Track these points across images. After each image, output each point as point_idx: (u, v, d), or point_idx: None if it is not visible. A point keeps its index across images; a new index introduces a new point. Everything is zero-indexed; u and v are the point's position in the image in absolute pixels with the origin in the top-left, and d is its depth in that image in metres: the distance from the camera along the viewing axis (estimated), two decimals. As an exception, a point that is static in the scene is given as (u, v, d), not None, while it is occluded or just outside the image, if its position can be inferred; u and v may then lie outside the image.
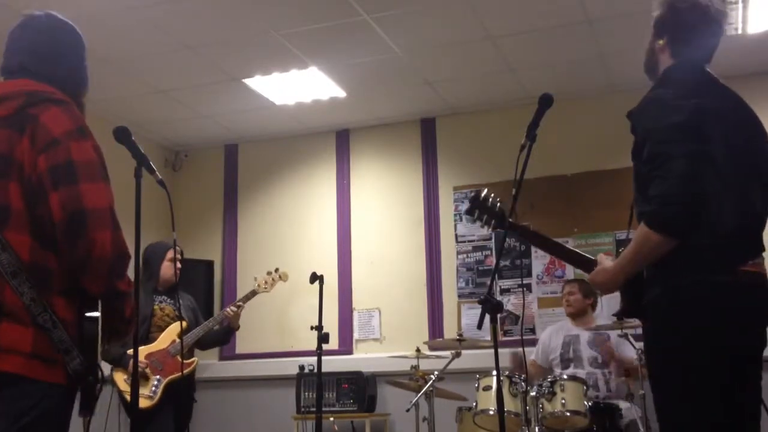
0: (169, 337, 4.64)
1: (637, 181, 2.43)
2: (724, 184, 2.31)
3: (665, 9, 2.55)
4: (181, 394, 4.62)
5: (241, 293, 6.70)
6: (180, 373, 4.53)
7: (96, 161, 2.03)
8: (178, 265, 4.71)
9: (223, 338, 5.15)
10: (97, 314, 2.01)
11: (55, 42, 2.23)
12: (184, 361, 4.62)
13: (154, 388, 4.48)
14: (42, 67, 2.16)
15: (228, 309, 4.92)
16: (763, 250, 2.41)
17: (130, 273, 2.15)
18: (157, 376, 4.50)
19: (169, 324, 4.69)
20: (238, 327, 5.06)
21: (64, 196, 1.93)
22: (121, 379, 4.44)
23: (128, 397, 4.36)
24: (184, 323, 4.66)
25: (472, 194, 2.85)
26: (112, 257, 1.97)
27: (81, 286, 2.00)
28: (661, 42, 2.54)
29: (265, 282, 5.11)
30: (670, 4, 2.53)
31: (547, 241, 2.81)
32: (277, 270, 5.20)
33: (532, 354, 5.28)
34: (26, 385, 1.91)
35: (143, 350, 4.47)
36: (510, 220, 2.79)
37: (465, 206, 6.24)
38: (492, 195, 2.84)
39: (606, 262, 2.55)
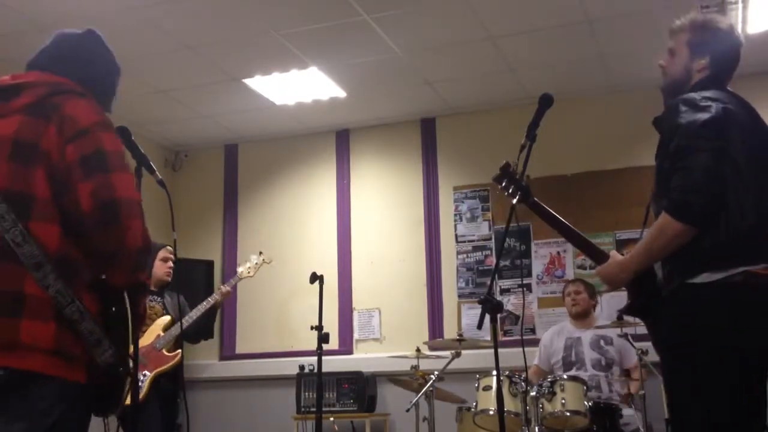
0: (153, 332, 4.66)
1: (659, 177, 2.46)
2: (745, 185, 2.35)
3: (707, 31, 2.63)
4: (168, 386, 4.61)
5: (240, 293, 6.74)
6: (164, 366, 4.57)
7: (123, 154, 2.04)
8: (171, 264, 4.80)
9: (204, 327, 5.08)
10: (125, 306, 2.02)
11: (77, 48, 2.24)
12: (168, 354, 4.64)
13: (140, 384, 4.49)
14: (64, 68, 2.17)
15: (216, 293, 4.98)
16: None
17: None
18: (144, 372, 4.52)
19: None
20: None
21: (96, 184, 1.92)
22: None
23: None
24: (169, 318, 4.71)
25: (503, 163, 2.87)
26: (142, 247, 1.97)
27: (105, 279, 1.99)
28: (703, 62, 2.60)
29: (249, 268, 5.21)
30: (713, 26, 2.63)
31: (565, 225, 2.84)
32: (261, 254, 5.28)
33: (534, 359, 5.27)
34: (46, 384, 1.89)
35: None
36: (535, 199, 2.83)
37: (463, 207, 6.29)
38: (520, 171, 2.87)
39: (618, 256, 2.57)
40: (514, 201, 2.82)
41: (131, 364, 2.03)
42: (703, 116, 2.35)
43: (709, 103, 2.40)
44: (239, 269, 5.24)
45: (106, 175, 1.94)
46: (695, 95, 2.45)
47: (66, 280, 1.90)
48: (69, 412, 1.92)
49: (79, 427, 1.99)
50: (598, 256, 2.69)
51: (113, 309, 1.99)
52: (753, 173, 2.38)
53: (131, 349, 2.05)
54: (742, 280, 2.29)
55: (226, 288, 5.03)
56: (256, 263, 5.25)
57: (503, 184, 2.86)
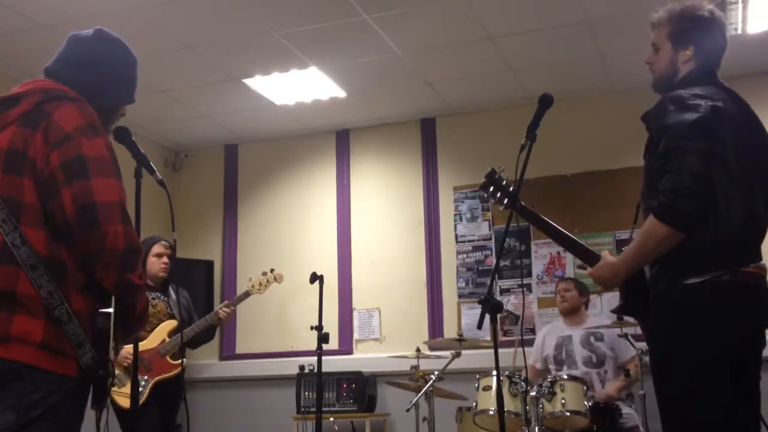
0: (159, 336, 4.51)
1: (648, 175, 2.46)
2: (733, 185, 2.34)
3: (686, 20, 2.57)
4: (170, 393, 4.48)
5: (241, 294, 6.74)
6: (167, 374, 4.44)
7: (107, 157, 2.07)
8: (165, 259, 4.59)
9: (206, 337, 4.95)
10: (110, 310, 2.04)
11: (88, 52, 2.27)
12: (172, 362, 4.49)
13: (140, 389, 4.30)
14: (66, 73, 2.21)
15: (221, 311, 4.74)
16: (761, 258, 2.42)
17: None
18: (145, 377, 4.36)
19: (160, 321, 4.55)
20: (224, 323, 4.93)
21: (75, 189, 1.98)
22: None
23: (114, 396, 4.20)
24: (175, 323, 4.54)
25: (489, 170, 2.87)
26: (124, 249, 2.00)
27: (96, 281, 2.03)
28: (688, 52, 2.55)
29: (260, 283, 4.95)
30: (692, 15, 2.56)
31: (554, 228, 2.84)
32: (272, 271, 5.03)
33: (529, 358, 5.25)
34: (37, 377, 1.93)
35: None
36: (522, 203, 2.81)
37: (463, 207, 6.29)
38: (507, 176, 2.86)
39: (610, 258, 2.56)
40: (501, 207, 2.83)
41: (112, 368, 2.05)
42: (691, 116, 2.33)
43: (697, 101, 2.37)
44: (248, 285, 4.96)
45: (86, 180, 1.99)
46: (684, 93, 2.42)
47: (56, 282, 1.97)
48: (59, 405, 1.95)
49: (70, 420, 2.00)
50: (590, 258, 2.68)
51: (99, 312, 2.03)
52: (742, 172, 2.37)
53: (112, 352, 2.07)
54: (730, 278, 2.29)
55: (231, 307, 4.79)
56: (267, 280, 4.98)
57: (490, 190, 2.86)
